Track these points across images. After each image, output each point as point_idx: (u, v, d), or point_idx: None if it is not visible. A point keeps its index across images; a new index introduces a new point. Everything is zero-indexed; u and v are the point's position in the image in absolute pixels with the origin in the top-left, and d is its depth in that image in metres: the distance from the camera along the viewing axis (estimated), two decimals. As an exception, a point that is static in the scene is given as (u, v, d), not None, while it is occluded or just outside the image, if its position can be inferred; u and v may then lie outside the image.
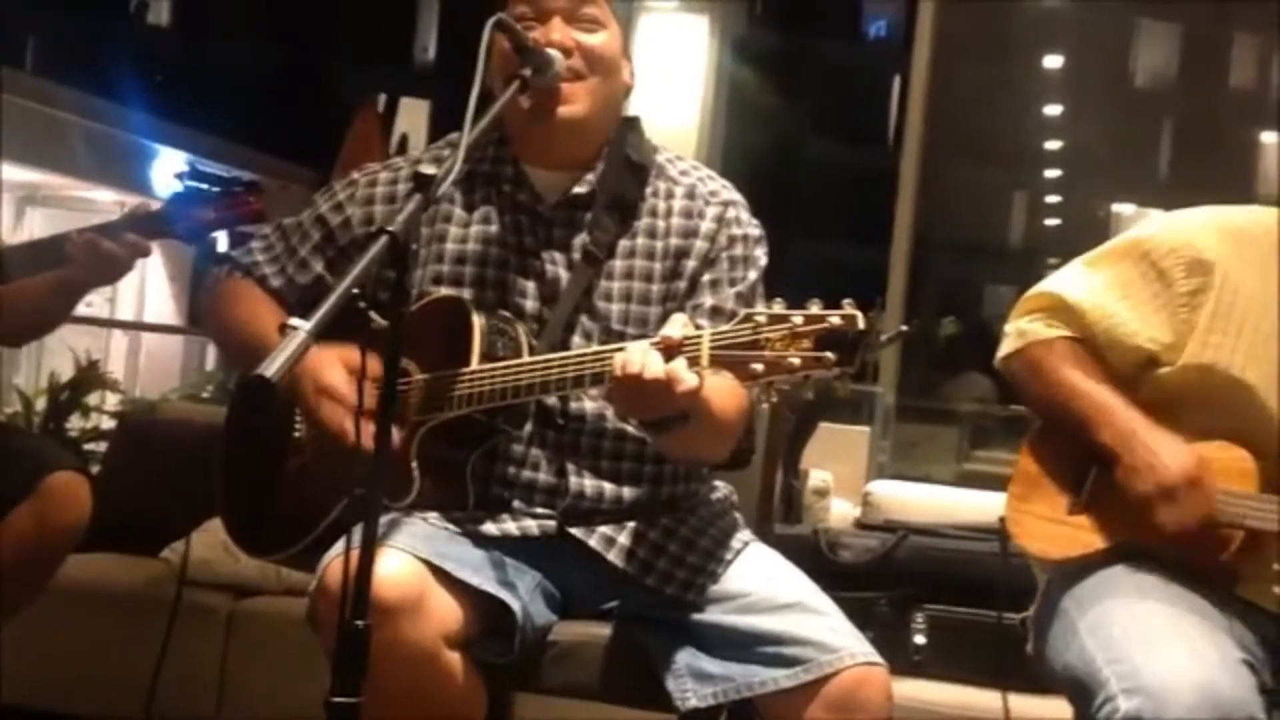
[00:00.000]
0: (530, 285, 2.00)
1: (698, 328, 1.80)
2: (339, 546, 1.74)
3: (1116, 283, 2.04)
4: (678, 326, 1.71)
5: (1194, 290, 1.99)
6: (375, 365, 1.58)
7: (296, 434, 2.02)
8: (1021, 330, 2.08)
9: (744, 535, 2.05)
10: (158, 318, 12.36)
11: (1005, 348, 2.11)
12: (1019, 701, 2.62)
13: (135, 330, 11.21)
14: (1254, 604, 1.94)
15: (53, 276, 2.37)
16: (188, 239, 2.30)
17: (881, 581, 3.35)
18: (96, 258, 2.29)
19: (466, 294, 1.98)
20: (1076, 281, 2.07)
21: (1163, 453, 1.91)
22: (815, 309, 1.64)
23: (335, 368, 1.85)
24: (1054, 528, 2.03)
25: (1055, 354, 2.04)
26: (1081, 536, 2.00)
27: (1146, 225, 2.10)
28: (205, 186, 2.24)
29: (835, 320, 1.62)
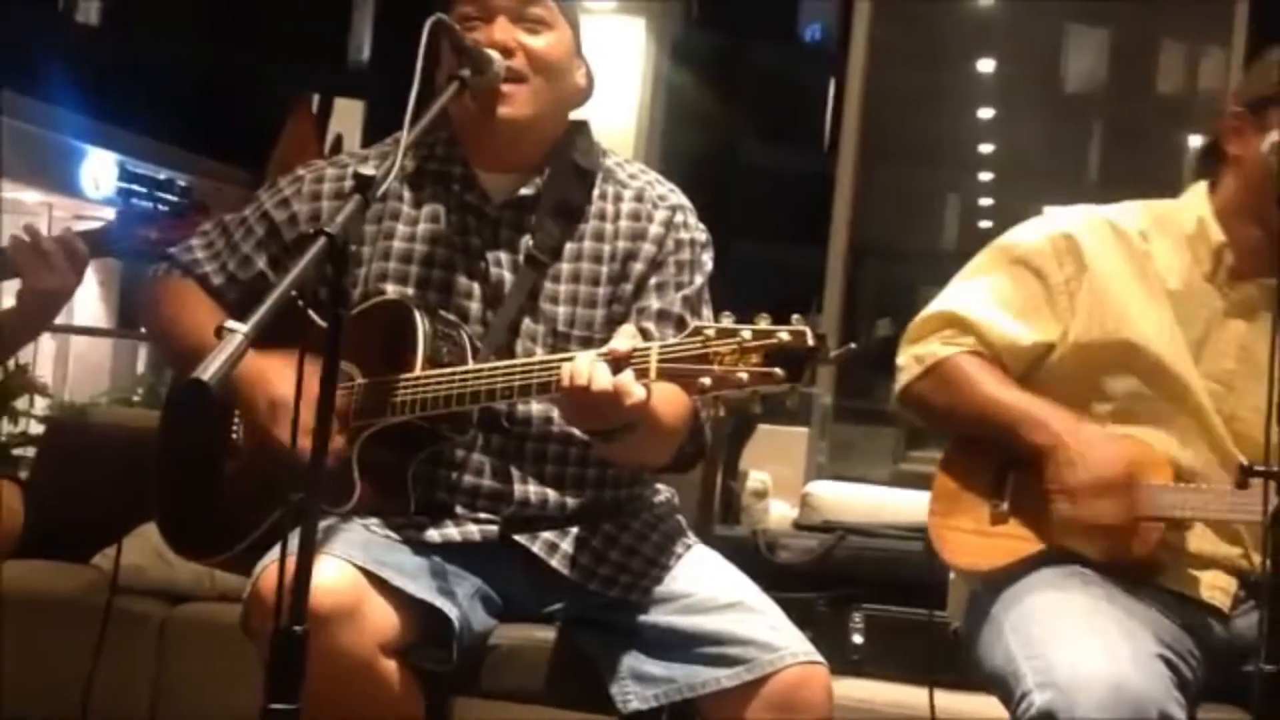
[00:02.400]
0: (475, 287, 1.99)
1: (643, 331, 1.79)
2: (274, 553, 1.72)
3: (997, 290, 2.10)
4: (625, 339, 1.71)
5: (1069, 277, 2.06)
6: (314, 377, 1.55)
7: (234, 437, 2.00)
8: (919, 355, 2.11)
9: (687, 539, 2.05)
10: (87, 321, 12.18)
11: (905, 377, 2.13)
12: (953, 699, 2.63)
13: (64, 333, 11.03)
14: (1181, 594, 1.98)
15: (18, 302, 2.33)
16: (130, 259, 2.26)
17: (820, 582, 3.36)
18: (43, 260, 2.25)
19: (411, 293, 1.97)
20: (962, 296, 2.12)
21: (1098, 447, 1.96)
22: (764, 323, 1.64)
23: (288, 380, 1.82)
24: (980, 539, 2.05)
25: (964, 368, 2.08)
26: (1008, 544, 2.03)
27: (1016, 230, 2.16)
28: (150, 205, 2.21)
29: (784, 336, 1.62)
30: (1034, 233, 2.11)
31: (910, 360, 2.12)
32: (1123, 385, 2.04)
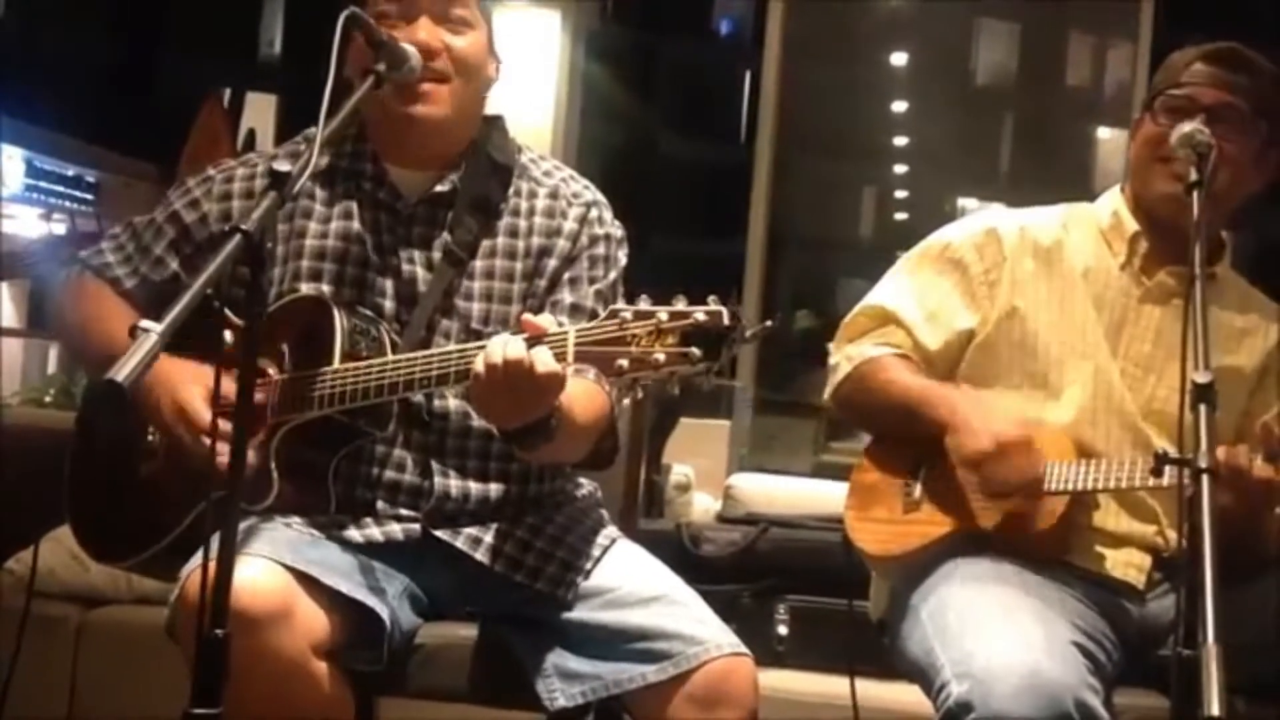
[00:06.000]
0: (389, 284, 1.98)
1: (558, 325, 1.79)
2: (201, 555, 1.70)
3: (925, 286, 2.19)
4: (544, 321, 1.71)
5: (989, 267, 2.16)
6: (230, 382, 1.53)
7: (150, 438, 1.97)
8: (849, 355, 2.19)
9: (610, 532, 2.05)
10: (-5, 321, 11.91)
11: (835, 378, 2.20)
12: (876, 688, 2.66)
13: (-29, 334, 10.76)
14: (1095, 574, 2.02)
15: None
16: (49, 278, 2.23)
17: (744, 574, 3.39)
18: None
19: (325, 291, 1.95)
20: (893, 292, 2.21)
21: (994, 416, 2.02)
22: (680, 305, 1.64)
23: (191, 385, 1.80)
24: (893, 528, 2.11)
25: (882, 366, 2.16)
26: (920, 529, 2.09)
27: (947, 228, 2.26)
28: (73, 226, 2.20)
29: (700, 316, 1.62)
30: (960, 230, 2.21)
31: (842, 360, 2.19)
32: (1033, 363, 2.11)
